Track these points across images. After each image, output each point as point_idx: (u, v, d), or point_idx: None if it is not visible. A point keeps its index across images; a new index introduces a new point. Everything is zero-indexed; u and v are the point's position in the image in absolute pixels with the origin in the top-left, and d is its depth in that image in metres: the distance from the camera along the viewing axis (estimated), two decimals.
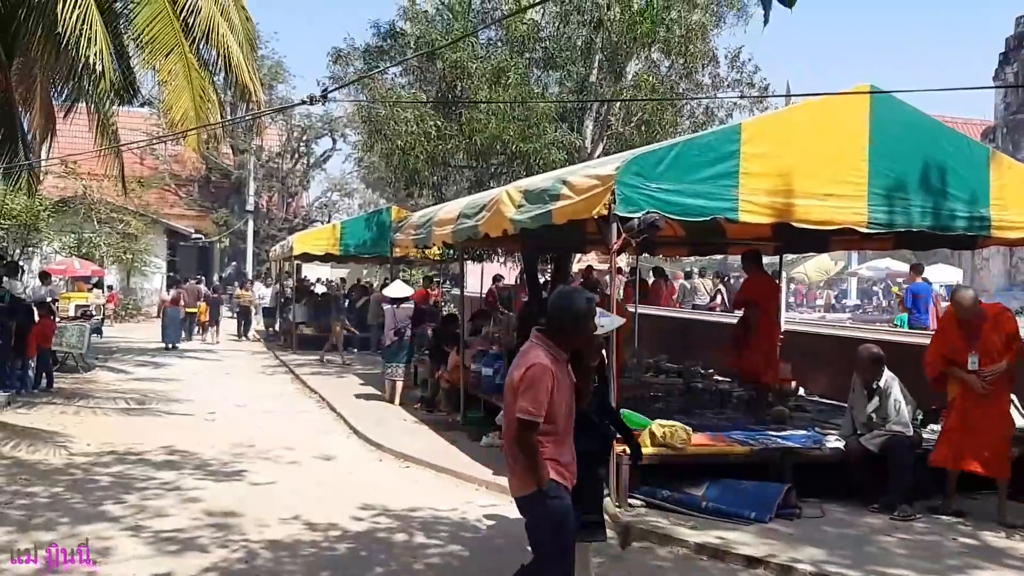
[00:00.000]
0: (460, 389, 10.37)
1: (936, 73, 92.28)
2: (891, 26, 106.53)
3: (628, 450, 5.51)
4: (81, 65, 9.67)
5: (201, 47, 10.85)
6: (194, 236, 32.23)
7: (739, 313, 9.73)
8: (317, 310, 20.64)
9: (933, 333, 7.93)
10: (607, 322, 4.78)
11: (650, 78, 13.08)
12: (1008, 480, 6.50)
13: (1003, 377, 6.45)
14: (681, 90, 13.80)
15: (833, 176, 6.88)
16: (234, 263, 37.62)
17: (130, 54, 11.40)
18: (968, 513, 6.55)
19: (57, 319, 14.76)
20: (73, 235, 24.24)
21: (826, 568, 5.38)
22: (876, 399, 6.85)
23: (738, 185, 6.61)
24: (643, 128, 13.09)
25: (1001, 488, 6.51)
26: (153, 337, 20.78)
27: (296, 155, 38.71)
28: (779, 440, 7.23)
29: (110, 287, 26.39)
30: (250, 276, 31.32)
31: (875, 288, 39.43)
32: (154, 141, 25.32)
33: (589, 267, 17.58)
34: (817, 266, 35.02)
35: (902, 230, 7.26)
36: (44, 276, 18.03)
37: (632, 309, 11.91)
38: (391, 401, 11.88)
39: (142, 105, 19.92)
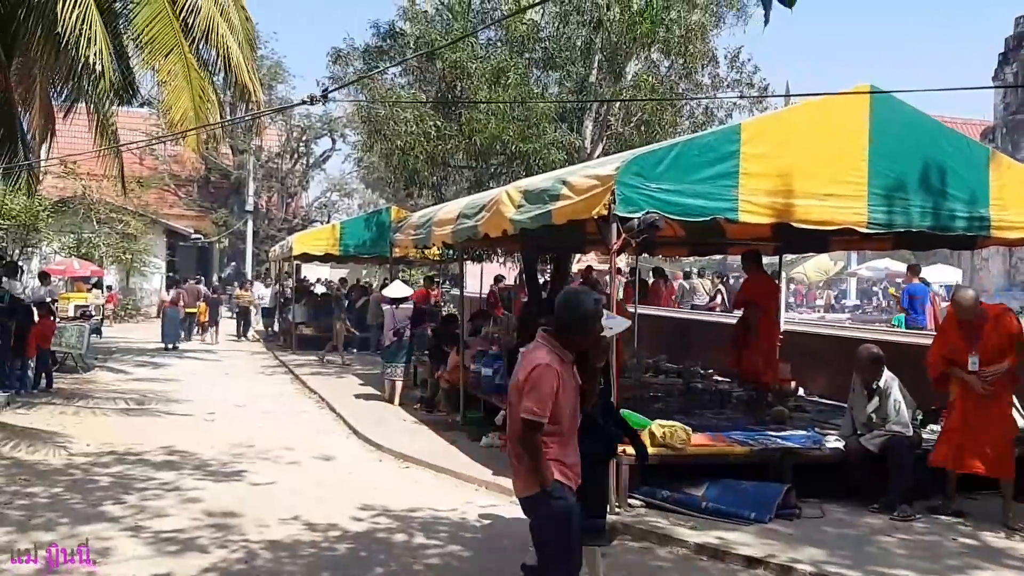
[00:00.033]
0: (460, 389, 10.37)
1: (936, 73, 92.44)
2: (891, 26, 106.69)
3: (634, 450, 5.49)
4: (81, 65, 9.66)
5: (201, 47, 10.85)
6: (193, 236, 32.22)
7: (739, 313, 9.73)
8: (316, 310, 20.65)
9: (935, 333, 7.93)
10: (614, 324, 4.76)
11: (650, 78, 13.07)
12: (1012, 481, 6.46)
13: (1005, 378, 6.43)
14: (681, 90, 13.78)
15: (833, 176, 6.88)
16: (233, 263, 37.61)
17: (130, 54, 11.39)
18: (968, 513, 6.55)
19: (56, 319, 14.75)
20: (72, 235, 24.25)
21: (826, 568, 5.38)
22: (876, 399, 6.85)
23: (738, 185, 6.60)
24: (643, 128, 13.07)
25: (1006, 490, 6.46)
26: (152, 337, 20.78)
27: (295, 155, 38.72)
28: (779, 440, 7.23)
29: (109, 287, 26.37)
30: (249, 276, 31.29)
31: (875, 288, 39.47)
32: (154, 141, 25.32)
33: (589, 267, 17.57)
34: (816, 266, 35.04)
35: (902, 230, 7.26)
36: (43, 276, 18.03)
37: (632, 309, 11.91)
38: (391, 401, 11.88)
39: (141, 105, 19.86)
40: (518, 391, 3.90)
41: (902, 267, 24.32)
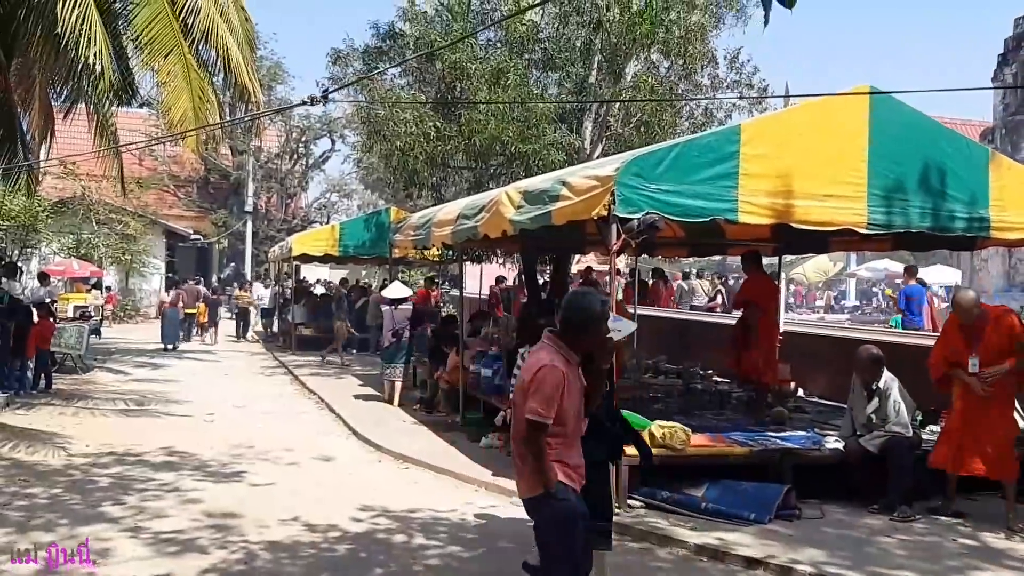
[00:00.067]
0: (459, 390, 10.37)
1: (935, 74, 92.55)
2: (891, 26, 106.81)
3: (638, 451, 5.48)
4: (80, 65, 9.66)
5: (200, 48, 10.85)
6: (193, 237, 32.19)
7: (738, 314, 9.73)
8: (316, 311, 20.64)
9: (936, 334, 7.93)
10: (621, 327, 4.75)
11: (649, 79, 13.08)
12: (1015, 483, 6.42)
13: (1007, 379, 6.39)
14: (680, 91, 13.79)
15: (832, 177, 6.89)
16: (233, 264, 37.58)
17: (129, 55, 11.38)
18: (968, 514, 6.54)
19: (56, 320, 14.74)
20: (72, 236, 24.23)
21: (826, 569, 5.38)
22: (876, 400, 6.85)
23: (737, 186, 6.61)
24: (642, 129, 13.08)
25: (1008, 492, 6.41)
26: (152, 338, 20.77)
27: (295, 156, 38.69)
28: (778, 441, 7.23)
29: (108, 288, 26.35)
30: (249, 277, 31.28)
31: (874, 289, 39.48)
32: (153, 142, 25.32)
33: (588, 268, 17.62)
34: (816, 267, 35.05)
35: (901, 231, 7.26)
36: (43, 277, 18.03)
37: (631, 310, 11.92)
38: (390, 402, 11.87)
39: (141, 106, 19.89)
40: (523, 392, 3.89)
41: (901, 268, 24.33)
